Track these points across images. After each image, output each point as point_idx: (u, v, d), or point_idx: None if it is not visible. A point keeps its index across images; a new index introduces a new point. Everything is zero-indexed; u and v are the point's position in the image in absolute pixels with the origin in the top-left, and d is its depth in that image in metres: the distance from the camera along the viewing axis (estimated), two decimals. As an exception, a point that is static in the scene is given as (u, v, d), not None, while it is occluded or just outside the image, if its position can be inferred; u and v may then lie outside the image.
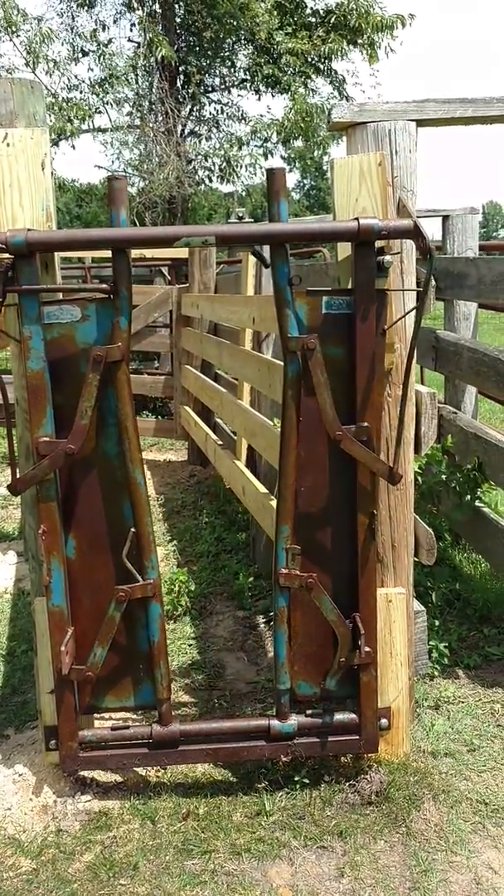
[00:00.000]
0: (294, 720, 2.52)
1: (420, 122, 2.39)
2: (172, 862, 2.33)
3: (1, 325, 2.34)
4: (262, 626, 3.80)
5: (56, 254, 2.38)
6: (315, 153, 16.19)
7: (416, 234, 2.18)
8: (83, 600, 2.47)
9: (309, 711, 2.56)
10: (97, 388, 2.28)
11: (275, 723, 2.51)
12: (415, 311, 2.30)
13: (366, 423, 2.35)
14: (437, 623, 3.44)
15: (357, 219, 2.19)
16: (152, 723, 2.55)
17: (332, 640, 2.51)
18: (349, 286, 2.37)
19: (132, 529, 2.42)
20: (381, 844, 2.38)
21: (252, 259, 4.30)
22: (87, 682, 2.47)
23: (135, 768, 2.62)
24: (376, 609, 2.48)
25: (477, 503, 3.98)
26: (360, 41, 12.65)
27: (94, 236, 2.19)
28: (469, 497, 3.97)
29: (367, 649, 2.44)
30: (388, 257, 2.30)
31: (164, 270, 9.16)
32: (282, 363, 3.40)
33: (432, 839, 2.40)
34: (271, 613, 3.83)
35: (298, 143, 15.39)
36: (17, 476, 2.33)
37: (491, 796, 2.57)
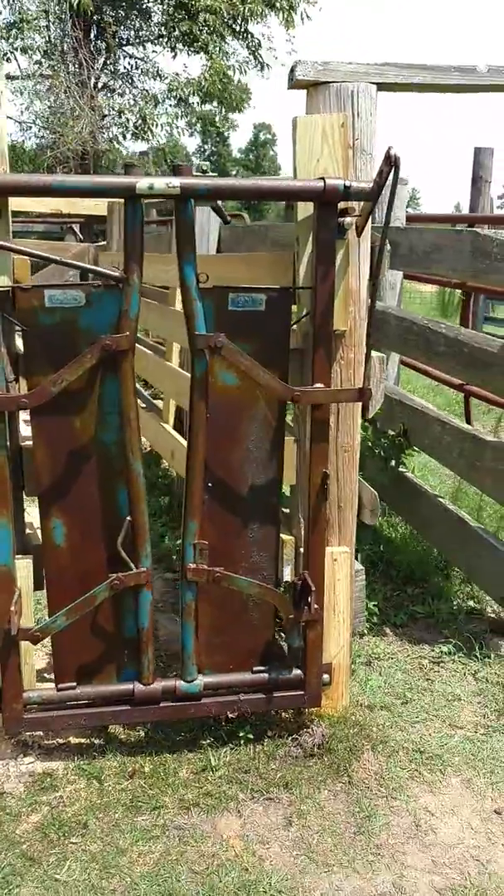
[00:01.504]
0: (200, 680, 2.54)
1: (380, 86, 2.41)
2: (122, 819, 2.33)
3: None
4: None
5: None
6: (226, 116, 16.00)
7: (378, 196, 2.19)
8: (72, 588, 2.42)
9: (255, 668, 2.59)
10: (99, 375, 2.26)
11: (180, 683, 2.54)
12: (371, 273, 2.33)
13: (320, 384, 2.37)
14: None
15: (323, 178, 2.19)
16: (134, 681, 2.53)
17: (244, 628, 2.57)
18: (308, 246, 2.38)
19: (128, 518, 2.38)
20: (326, 794, 2.46)
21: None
22: (64, 660, 2.46)
23: (80, 728, 2.60)
24: (324, 568, 2.53)
25: (401, 468, 4.11)
26: (278, 4, 12.50)
27: (56, 182, 2.09)
28: (394, 462, 4.09)
29: (315, 606, 2.49)
30: (348, 219, 2.32)
31: (76, 228, 8.88)
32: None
33: (373, 787, 2.50)
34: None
35: (205, 107, 15.13)
36: None
37: (425, 745, 2.69)
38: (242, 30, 12.92)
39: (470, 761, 2.64)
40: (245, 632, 2.57)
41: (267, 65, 13.57)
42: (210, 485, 2.43)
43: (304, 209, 2.36)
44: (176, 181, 2.12)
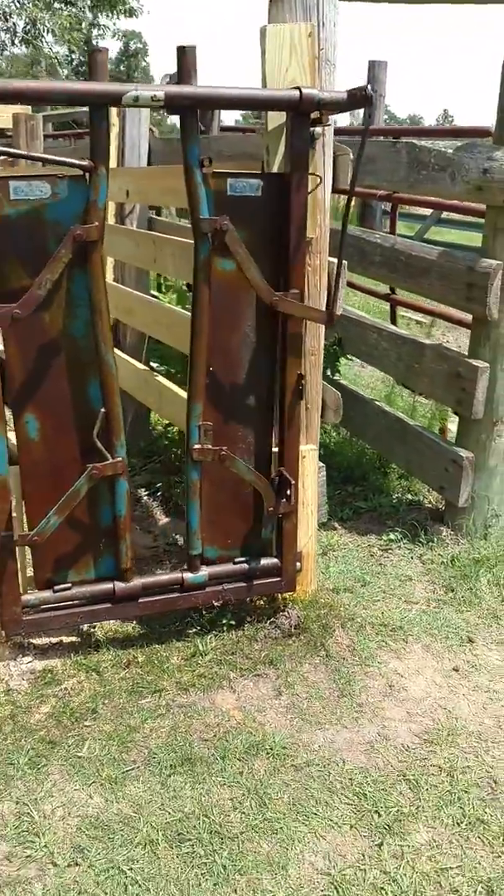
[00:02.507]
0: (205, 571, 2.72)
1: (342, -4, 2.47)
2: (127, 703, 2.50)
3: None
4: (145, 497, 3.94)
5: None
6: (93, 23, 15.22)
7: (350, 106, 2.30)
8: (46, 481, 2.48)
9: (237, 559, 2.78)
10: (68, 267, 2.25)
11: (188, 575, 2.71)
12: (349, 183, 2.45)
13: (296, 290, 2.51)
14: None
15: (299, 88, 2.27)
16: (114, 580, 2.64)
17: (236, 508, 2.73)
18: (278, 155, 2.47)
19: (102, 409, 2.45)
20: (307, 667, 2.71)
21: (115, 129, 4.16)
22: (43, 553, 2.52)
23: (78, 626, 2.73)
24: (297, 464, 2.72)
25: (336, 376, 4.32)
26: None
27: (50, 89, 2.08)
28: (329, 371, 4.29)
29: (293, 498, 2.69)
30: (318, 129, 2.42)
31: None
32: (169, 237, 3.44)
33: (348, 658, 2.77)
34: (155, 486, 3.98)
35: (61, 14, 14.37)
36: None
37: (387, 619, 2.98)
38: None
39: (427, 630, 2.95)
40: (234, 518, 2.74)
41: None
42: (211, 369, 2.54)
43: (275, 119, 2.43)
44: (160, 92, 2.15)
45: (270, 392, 2.66)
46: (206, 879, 1.92)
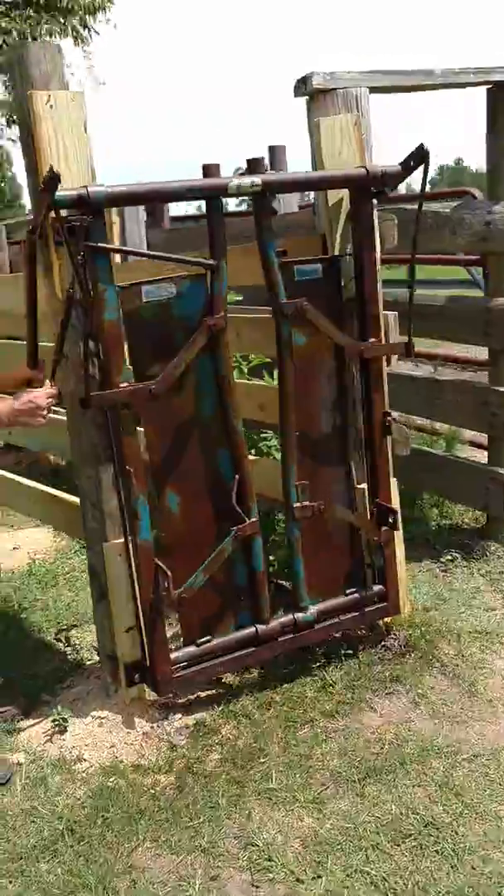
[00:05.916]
0: (313, 609, 2.93)
1: (371, 89, 2.90)
2: (287, 737, 2.66)
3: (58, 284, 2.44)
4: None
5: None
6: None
7: (405, 174, 2.68)
8: (188, 551, 2.67)
9: (348, 591, 3.01)
10: (200, 352, 2.53)
11: (298, 615, 2.92)
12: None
13: (374, 339, 2.83)
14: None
15: (364, 166, 2.64)
16: (255, 625, 2.83)
17: (336, 548, 2.99)
18: (339, 228, 2.83)
19: (237, 476, 2.69)
20: (429, 678, 2.94)
21: (116, 226, 4.47)
22: (188, 617, 2.70)
23: (220, 676, 2.88)
24: (390, 493, 3.00)
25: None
26: (68, 22, 12.65)
27: (166, 188, 2.37)
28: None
29: (396, 526, 2.96)
30: (374, 200, 2.79)
31: None
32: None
33: (460, 665, 3.01)
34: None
35: None
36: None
37: (478, 627, 3.25)
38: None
39: (515, 630, 3.24)
40: (335, 559, 2.98)
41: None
42: (297, 433, 2.80)
43: (334, 196, 2.80)
44: (258, 179, 2.48)
45: (346, 438, 2.95)
46: (442, 865, 2.10)
